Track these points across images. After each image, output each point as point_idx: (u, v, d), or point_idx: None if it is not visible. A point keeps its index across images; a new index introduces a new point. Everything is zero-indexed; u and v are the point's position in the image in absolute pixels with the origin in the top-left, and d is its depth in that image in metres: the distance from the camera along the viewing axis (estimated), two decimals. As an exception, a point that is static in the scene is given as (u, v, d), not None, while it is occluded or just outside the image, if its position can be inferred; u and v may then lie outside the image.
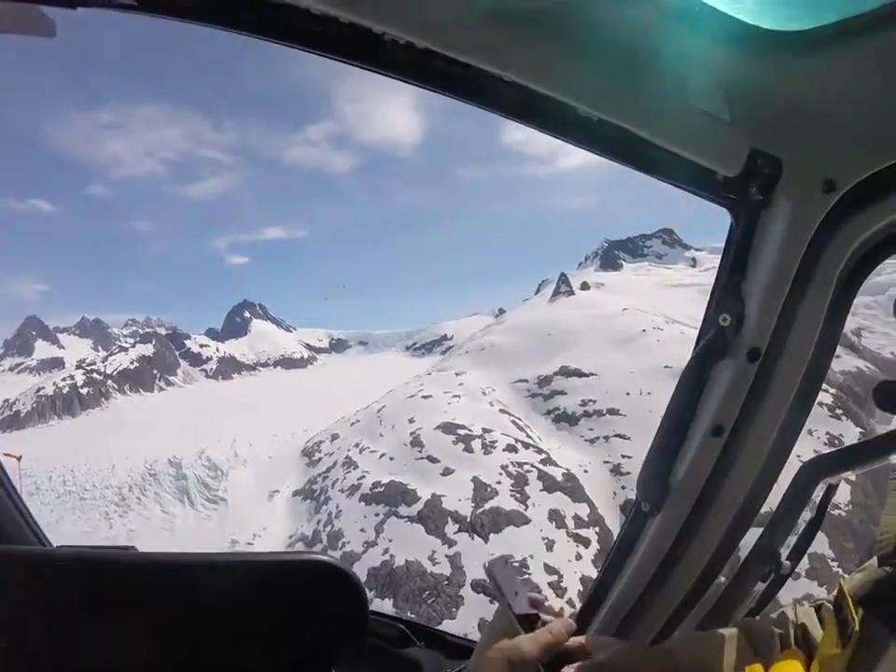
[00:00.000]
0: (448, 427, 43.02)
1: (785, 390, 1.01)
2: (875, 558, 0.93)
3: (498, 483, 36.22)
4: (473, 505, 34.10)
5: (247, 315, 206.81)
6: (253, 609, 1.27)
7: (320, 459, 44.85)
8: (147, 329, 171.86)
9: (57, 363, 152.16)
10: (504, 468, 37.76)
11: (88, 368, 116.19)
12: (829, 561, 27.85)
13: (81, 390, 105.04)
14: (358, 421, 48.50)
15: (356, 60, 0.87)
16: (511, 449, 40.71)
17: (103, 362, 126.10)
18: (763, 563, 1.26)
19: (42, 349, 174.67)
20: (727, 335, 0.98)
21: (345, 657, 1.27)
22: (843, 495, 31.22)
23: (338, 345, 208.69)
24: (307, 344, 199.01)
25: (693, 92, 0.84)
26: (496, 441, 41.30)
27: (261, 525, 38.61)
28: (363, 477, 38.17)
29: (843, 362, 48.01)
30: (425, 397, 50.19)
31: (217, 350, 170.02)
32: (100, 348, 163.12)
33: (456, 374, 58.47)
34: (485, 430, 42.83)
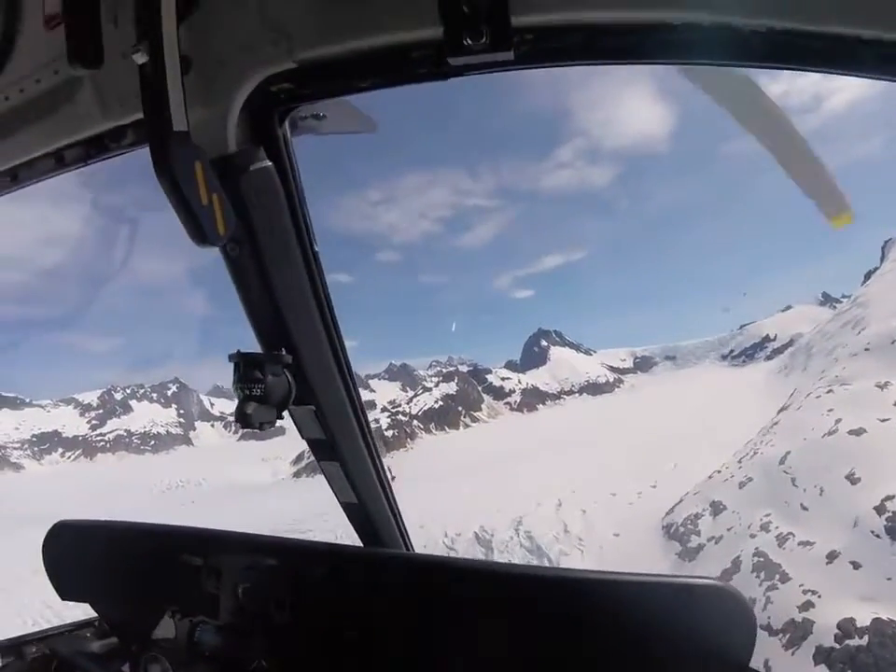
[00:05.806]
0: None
1: None
2: None
3: None
4: None
5: (544, 343, 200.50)
6: (649, 629, 1.30)
7: (701, 548, 28.66)
8: (450, 368, 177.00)
9: (369, 405, 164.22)
10: None
11: (393, 410, 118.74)
12: None
13: (386, 433, 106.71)
14: (751, 479, 30.57)
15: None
16: None
17: (408, 403, 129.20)
18: None
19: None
20: None
21: None
22: None
23: (643, 363, 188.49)
24: (610, 366, 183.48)
25: None
26: None
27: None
28: (812, 605, 20.96)
29: None
30: (853, 432, 30.08)
31: (519, 382, 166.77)
32: (408, 389, 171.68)
33: (879, 387, 36.30)
34: None
